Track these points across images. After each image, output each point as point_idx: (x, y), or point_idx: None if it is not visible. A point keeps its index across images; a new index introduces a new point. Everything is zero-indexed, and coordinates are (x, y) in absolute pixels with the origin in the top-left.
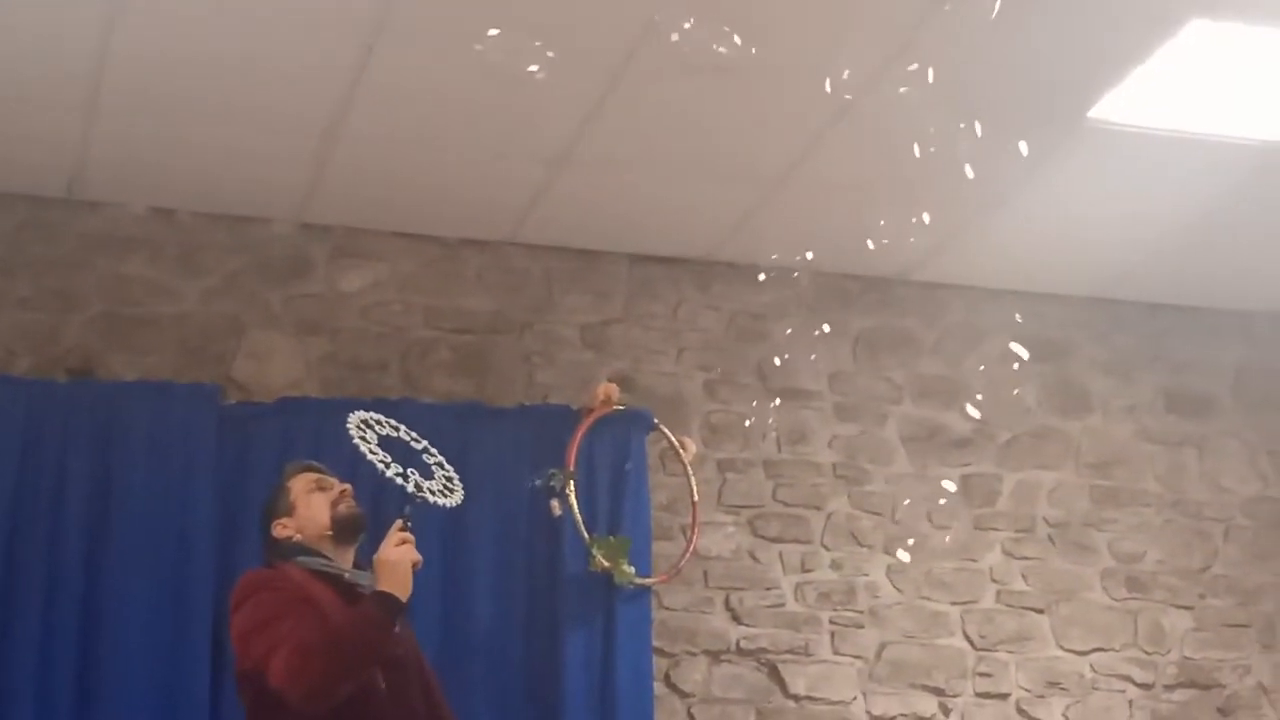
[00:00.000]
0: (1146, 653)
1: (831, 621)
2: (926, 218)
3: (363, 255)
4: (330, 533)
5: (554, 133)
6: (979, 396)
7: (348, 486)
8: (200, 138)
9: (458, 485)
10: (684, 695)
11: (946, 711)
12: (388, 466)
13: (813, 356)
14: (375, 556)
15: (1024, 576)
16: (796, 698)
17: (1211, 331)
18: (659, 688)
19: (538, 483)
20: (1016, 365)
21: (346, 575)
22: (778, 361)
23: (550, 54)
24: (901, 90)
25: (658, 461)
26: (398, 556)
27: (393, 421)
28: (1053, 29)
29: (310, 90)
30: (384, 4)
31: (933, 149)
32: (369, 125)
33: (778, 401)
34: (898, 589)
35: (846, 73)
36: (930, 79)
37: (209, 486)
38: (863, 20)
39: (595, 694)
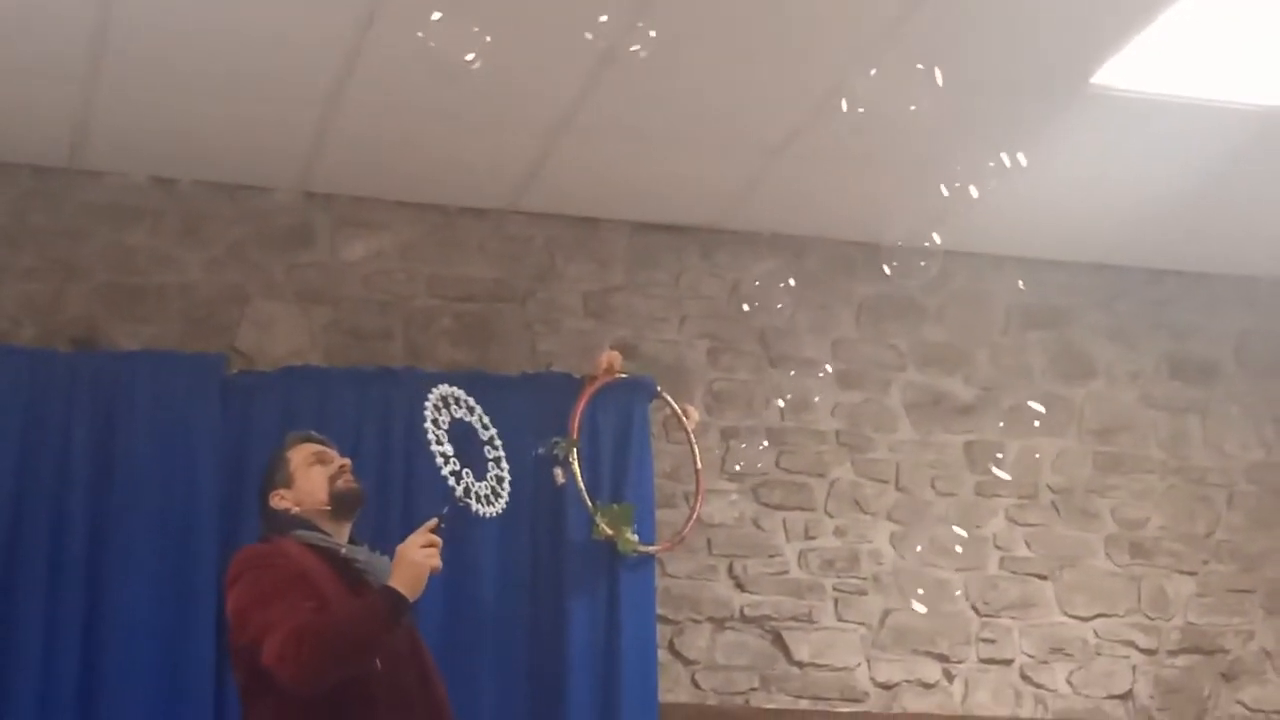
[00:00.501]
0: (1150, 618)
1: (835, 588)
2: (944, 189)
3: (365, 224)
4: (328, 508)
5: (555, 100)
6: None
7: (347, 461)
8: (202, 107)
9: (505, 489)
10: (688, 662)
11: (950, 678)
12: (446, 462)
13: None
14: (399, 548)
15: (1027, 543)
16: (800, 664)
17: (1214, 297)
18: (663, 655)
19: (541, 451)
20: (1037, 423)
21: (343, 551)
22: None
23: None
24: (902, 57)
25: (661, 429)
26: (420, 558)
27: (470, 401)
28: None
29: (311, 59)
30: None
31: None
32: (370, 94)
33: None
34: (901, 556)
35: (847, 40)
36: (933, 47)
37: (212, 455)
38: None
39: (599, 661)
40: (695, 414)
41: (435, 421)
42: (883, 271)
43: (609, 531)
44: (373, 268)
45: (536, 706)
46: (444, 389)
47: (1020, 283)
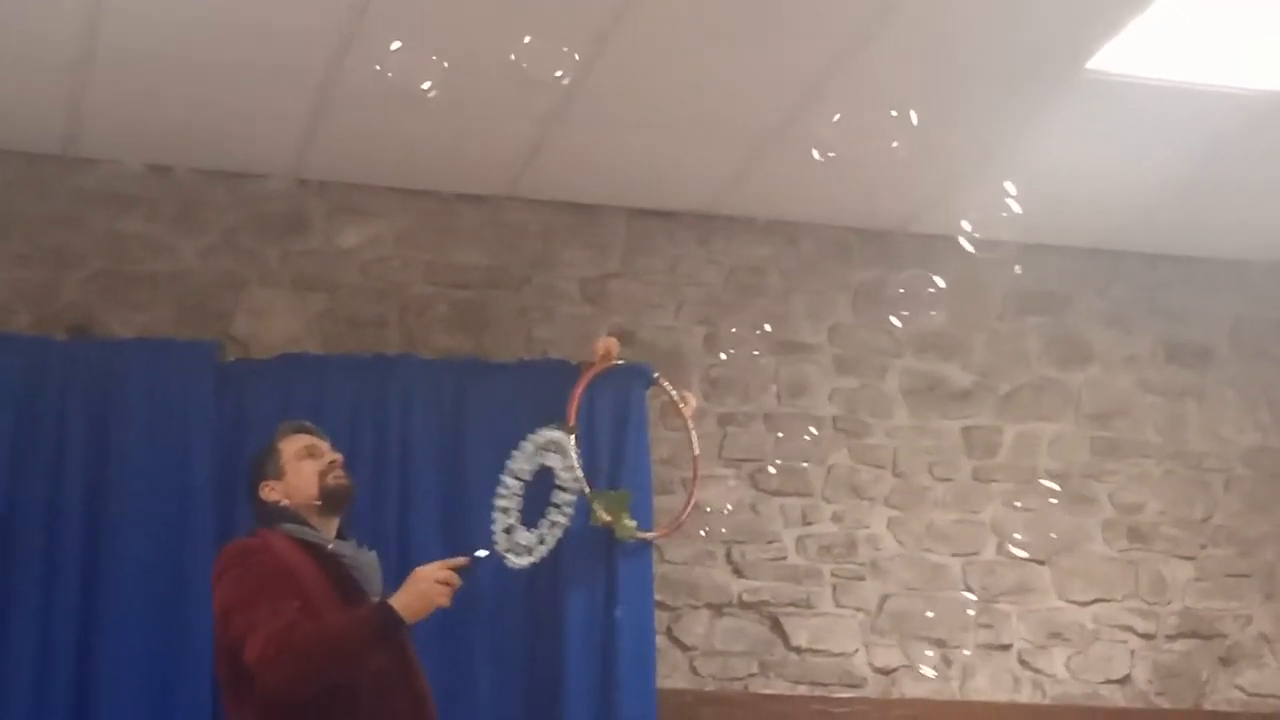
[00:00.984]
0: (1148, 603)
1: (833, 574)
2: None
3: (360, 211)
4: (318, 503)
5: (550, 87)
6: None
7: (338, 457)
8: (196, 94)
9: (553, 537)
10: (686, 648)
11: (948, 663)
12: (505, 514)
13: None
14: (417, 570)
15: (1025, 528)
16: (799, 650)
17: (1209, 282)
18: (661, 641)
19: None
20: (1053, 500)
21: (330, 546)
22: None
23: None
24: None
25: (658, 416)
26: (432, 592)
27: (570, 447)
28: None
29: (306, 46)
30: None
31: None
32: (365, 81)
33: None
34: (899, 541)
35: (842, 24)
36: (926, 32)
37: (208, 443)
38: None
39: (597, 648)
40: (693, 400)
41: (515, 473)
42: (879, 256)
43: (607, 518)
44: (368, 255)
45: (534, 693)
46: (549, 434)
47: (1016, 268)
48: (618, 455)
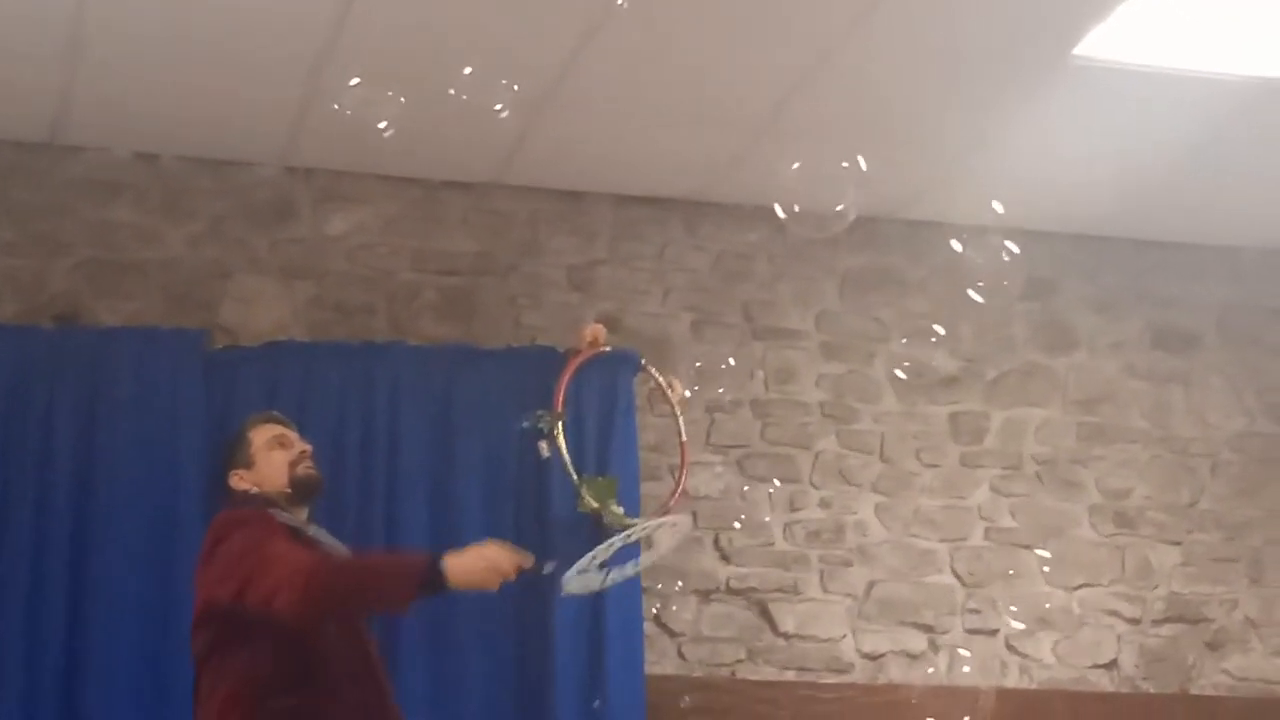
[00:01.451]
0: (1135, 588)
1: (820, 560)
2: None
3: (347, 198)
4: (288, 491)
5: (537, 73)
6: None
7: (308, 448)
8: (183, 82)
9: (608, 584)
10: (674, 634)
11: (936, 648)
12: (593, 558)
13: None
14: (490, 544)
15: (1012, 513)
16: (786, 636)
17: (1197, 268)
18: (649, 627)
19: (525, 424)
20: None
21: (309, 530)
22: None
23: None
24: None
25: (645, 402)
26: (489, 571)
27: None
28: None
29: (293, 33)
30: None
31: (917, 89)
32: (352, 68)
33: None
34: (886, 527)
35: (831, 13)
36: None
37: (196, 430)
38: None
39: (585, 634)
40: (680, 387)
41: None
42: (867, 242)
43: (594, 504)
44: (355, 242)
45: (523, 679)
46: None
47: (1004, 254)
48: (605, 441)
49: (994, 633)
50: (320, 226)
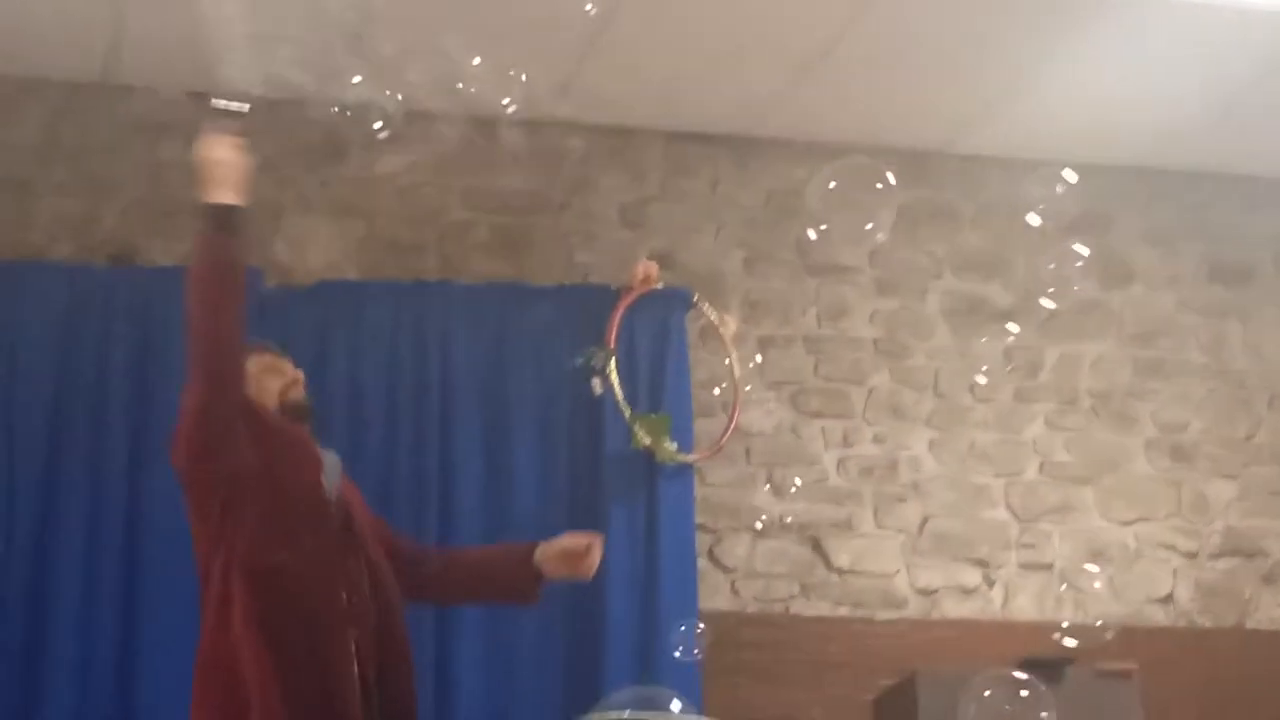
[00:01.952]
0: (1190, 522)
1: (874, 495)
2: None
3: (398, 137)
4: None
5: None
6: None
7: (300, 375)
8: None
9: None
10: (727, 570)
11: (990, 583)
12: None
13: None
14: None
15: (1067, 448)
16: (840, 571)
17: (1253, 200)
18: (702, 563)
19: (578, 362)
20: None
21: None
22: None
23: None
24: None
25: (698, 339)
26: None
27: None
28: None
29: None
30: None
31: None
32: (400, 4)
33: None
34: (940, 462)
35: None
36: None
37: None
38: None
39: (639, 571)
40: (732, 323)
41: None
42: (920, 177)
43: (647, 441)
44: (407, 180)
45: (576, 617)
46: None
47: (1058, 187)
48: (658, 379)
49: (1048, 567)
50: (372, 165)
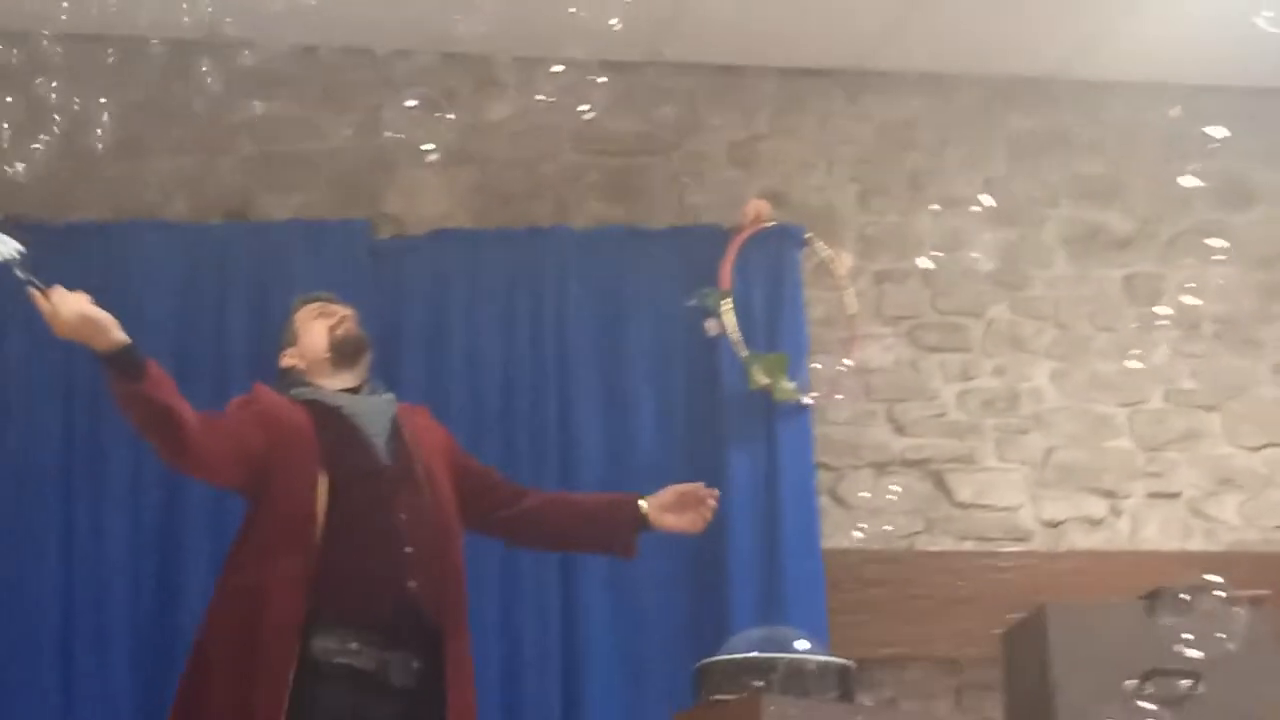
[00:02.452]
0: None
1: (996, 429)
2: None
3: (506, 83)
4: (328, 355)
5: None
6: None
7: (350, 312)
8: None
9: None
10: (849, 508)
11: (1117, 513)
12: None
13: None
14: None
15: (1192, 374)
16: (964, 505)
17: None
18: (824, 501)
19: (693, 303)
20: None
21: (328, 400)
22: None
23: None
24: None
25: (812, 276)
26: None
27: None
28: None
29: None
30: None
31: None
32: None
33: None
34: (1062, 393)
35: None
36: None
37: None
38: None
39: (760, 511)
40: (847, 259)
41: None
42: (1036, 104)
43: (764, 381)
44: (516, 126)
45: (697, 559)
46: None
47: (1177, 110)
48: (773, 318)
49: (1176, 496)
50: (481, 112)
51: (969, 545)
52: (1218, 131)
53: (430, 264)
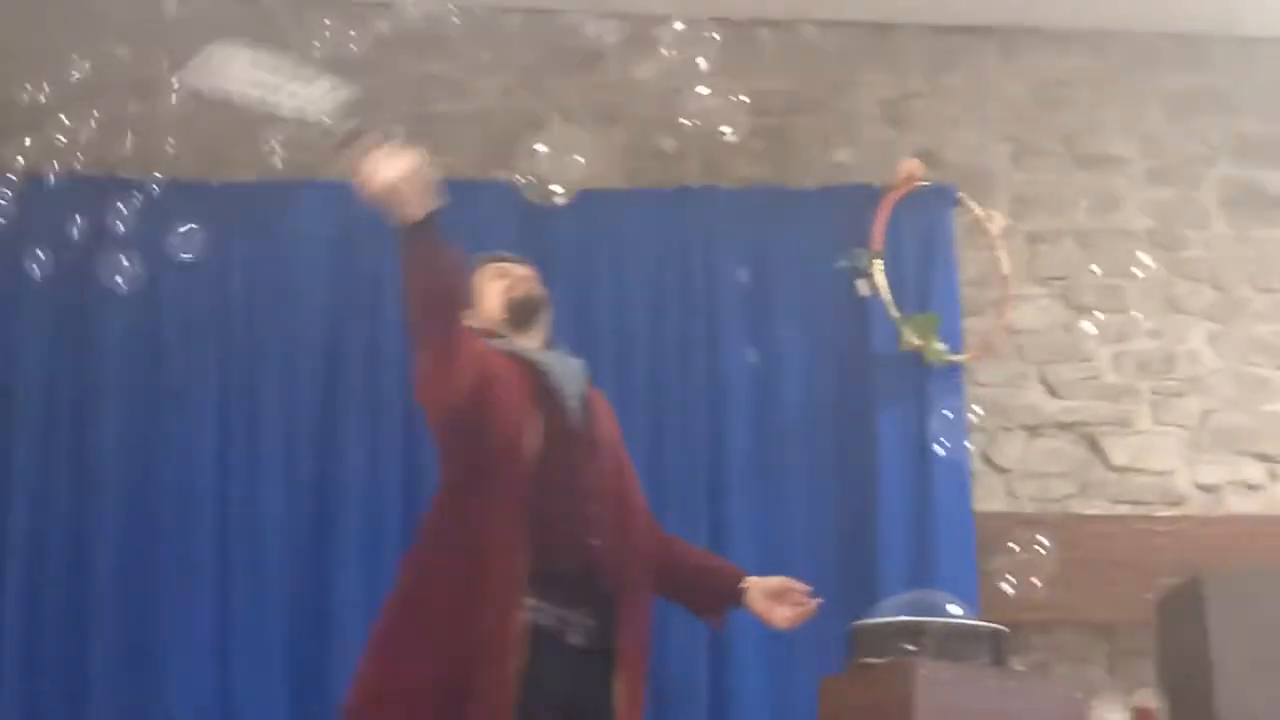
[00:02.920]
0: None
1: (1151, 391)
2: None
3: (655, 42)
4: (505, 317)
5: None
6: None
7: (527, 273)
8: None
9: None
10: (1002, 470)
11: (1275, 478)
12: None
13: None
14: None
15: None
16: (1118, 469)
17: None
18: (976, 464)
19: (843, 264)
20: None
21: (524, 354)
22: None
23: None
24: None
25: (964, 236)
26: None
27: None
28: None
29: None
30: None
31: None
32: None
33: None
34: (1220, 355)
35: None
36: None
37: None
38: None
39: (911, 472)
40: (1000, 219)
41: None
42: (1194, 61)
43: (916, 341)
44: (666, 85)
45: (847, 520)
46: None
47: None
48: (924, 278)
49: None
50: (631, 72)
51: (1123, 509)
52: None
53: (578, 225)
